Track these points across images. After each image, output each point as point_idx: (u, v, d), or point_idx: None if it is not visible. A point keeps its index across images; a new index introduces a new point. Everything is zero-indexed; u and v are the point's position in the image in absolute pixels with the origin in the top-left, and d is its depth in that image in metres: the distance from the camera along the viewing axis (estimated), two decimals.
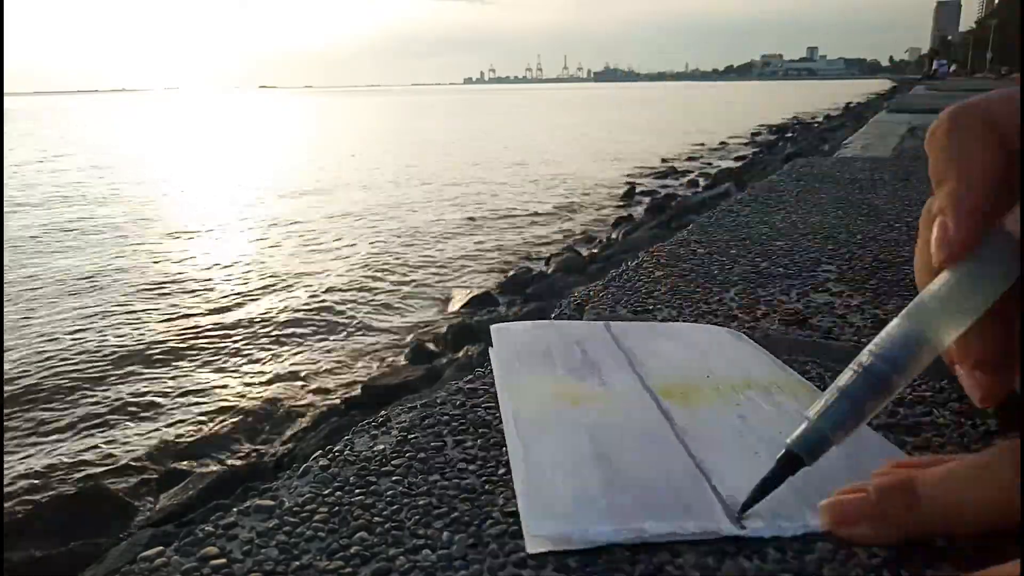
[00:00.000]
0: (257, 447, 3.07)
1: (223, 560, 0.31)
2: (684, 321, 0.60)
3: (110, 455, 3.04)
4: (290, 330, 4.44)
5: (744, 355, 0.50)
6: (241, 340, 4.29)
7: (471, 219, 7.96)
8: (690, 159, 13.58)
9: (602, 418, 0.40)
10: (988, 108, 0.32)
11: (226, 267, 6.11)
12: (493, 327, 0.53)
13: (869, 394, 0.31)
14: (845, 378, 0.32)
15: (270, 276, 5.72)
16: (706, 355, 0.49)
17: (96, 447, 3.10)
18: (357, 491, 0.36)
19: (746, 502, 0.32)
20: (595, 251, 6.16)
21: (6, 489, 2.75)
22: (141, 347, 4.21)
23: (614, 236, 6.81)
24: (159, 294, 5.26)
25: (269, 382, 3.71)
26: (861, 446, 0.37)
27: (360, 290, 5.28)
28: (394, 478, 0.37)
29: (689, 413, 0.40)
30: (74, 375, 3.83)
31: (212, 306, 4.97)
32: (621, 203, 8.86)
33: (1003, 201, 0.31)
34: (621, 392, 0.43)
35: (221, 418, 3.34)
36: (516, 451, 0.38)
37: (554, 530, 0.31)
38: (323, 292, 5.23)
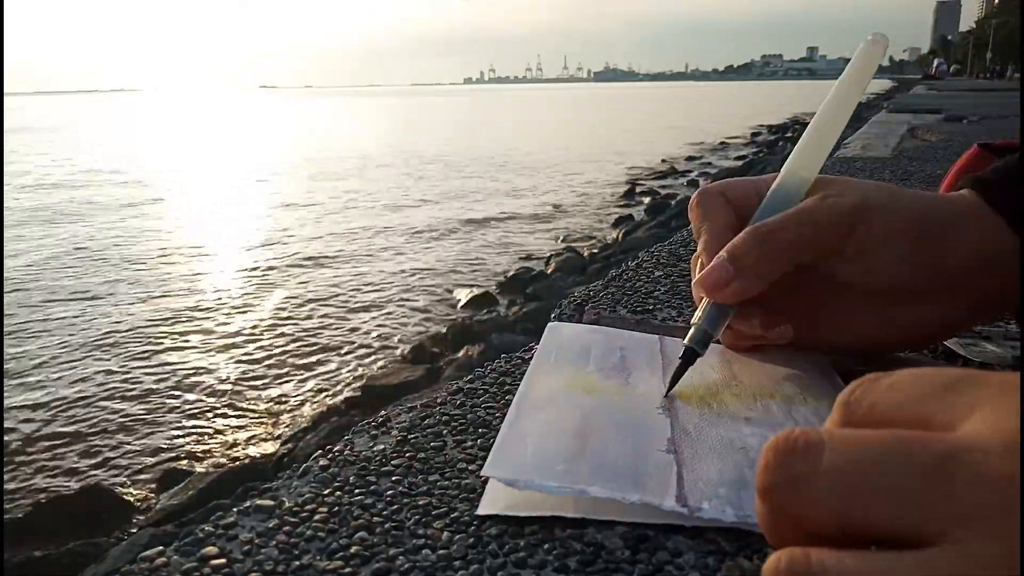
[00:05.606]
0: (257, 447, 3.08)
1: (223, 560, 0.31)
2: (684, 320, 0.60)
3: (110, 455, 3.04)
4: (289, 329, 4.45)
5: (786, 369, 0.46)
6: (241, 341, 4.29)
7: (471, 219, 7.97)
8: (690, 159, 13.59)
9: (604, 406, 0.40)
10: (724, 187, 0.48)
11: (226, 268, 6.11)
12: (549, 325, 0.54)
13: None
14: None
15: (269, 276, 5.73)
16: (740, 363, 0.47)
17: (96, 447, 3.11)
18: (357, 491, 0.36)
19: (667, 390, 0.42)
20: (595, 251, 6.17)
21: (6, 489, 2.75)
22: (141, 348, 4.21)
23: (614, 236, 6.82)
24: (160, 294, 5.26)
25: (269, 382, 3.72)
26: None
27: (360, 290, 5.29)
28: (394, 478, 0.37)
29: (696, 412, 0.40)
30: (73, 375, 3.83)
31: (213, 307, 4.97)
32: (621, 203, 8.87)
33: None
34: (640, 392, 0.43)
35: (221, 418, 3.35)
36: (507, 418, 0.39)
37: (503, 474, 0.33)
38: (323, 292, 5.23)
